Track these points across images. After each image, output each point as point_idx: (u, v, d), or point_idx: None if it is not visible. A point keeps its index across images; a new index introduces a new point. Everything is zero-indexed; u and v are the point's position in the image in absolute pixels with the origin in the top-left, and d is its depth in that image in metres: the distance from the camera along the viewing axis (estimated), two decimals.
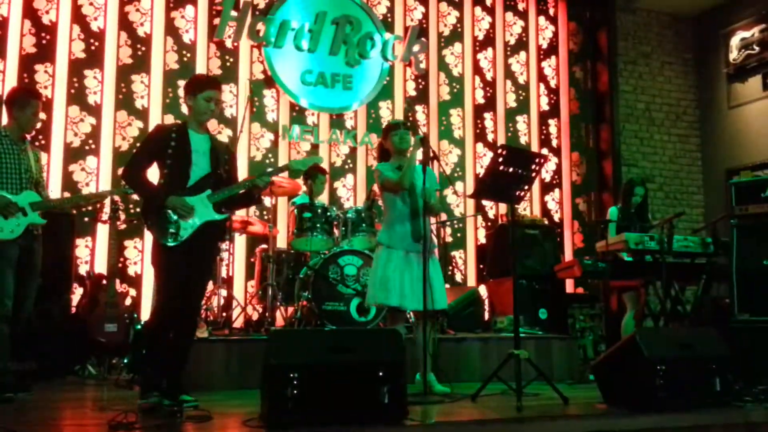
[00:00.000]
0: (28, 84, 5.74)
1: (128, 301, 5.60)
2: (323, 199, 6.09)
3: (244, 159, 6.47)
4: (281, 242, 6.17)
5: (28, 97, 4.16)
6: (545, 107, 7.81)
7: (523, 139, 7.60)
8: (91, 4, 6.15)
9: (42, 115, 4.43)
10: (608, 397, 3.81)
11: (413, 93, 7.24)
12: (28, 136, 4.27)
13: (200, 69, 6.43)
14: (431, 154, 4.43)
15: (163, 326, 3.62)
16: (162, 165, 3.66)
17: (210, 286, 5.81)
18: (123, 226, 5.70)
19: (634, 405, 3.57)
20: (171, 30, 6.41)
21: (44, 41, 5.96)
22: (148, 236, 3.72)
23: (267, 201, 6.32)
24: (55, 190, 5.66)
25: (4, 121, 4.28)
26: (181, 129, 3.73)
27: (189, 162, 3.63)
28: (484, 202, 7.15)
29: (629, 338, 3.74)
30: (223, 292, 5.59)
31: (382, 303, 4.21)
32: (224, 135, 6.42)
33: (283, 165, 4.08)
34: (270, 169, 4.08)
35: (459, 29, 7.51)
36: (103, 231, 5.66)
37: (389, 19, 7.23)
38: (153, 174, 3.67)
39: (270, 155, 6.59)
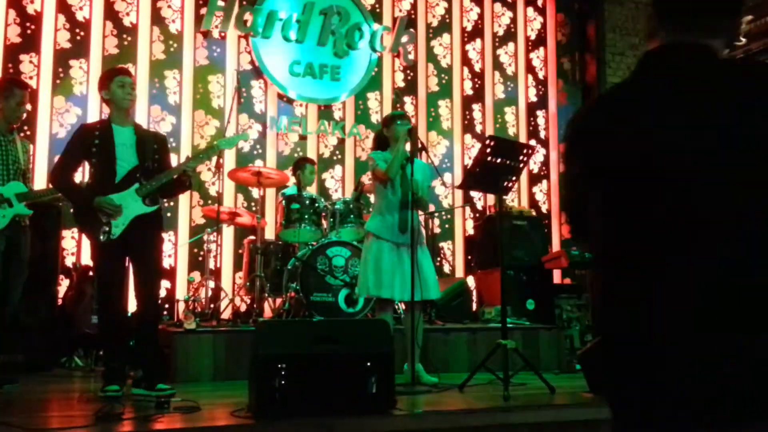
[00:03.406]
0: (13, 74, 5.69)
1: None
2: (312, 190, 6.09)
3: (231, 150, 6.44)
4: (269, 233, 6.16)
5: (12, 87, 4.13)
6: (533, 98, 7.82)
7: (511, 131, 7.62)
8: None
9: (27, 106, 4.41)
10: (594, 386, 3.85)
11: (402, 84, 7.23)
12: (15, 127, 4.24)
13: (187, 59, 6.40)
14: (419, 146, 4.45)
15: (110, 321, 3.68)
16: (89, 164, 3.72)
17: (197, 277, 5.81)
18: None
19: None
20: (157, 20, 6.35)
21: (29, 31, 5.90)
22: None
23: (255, 192, 6.30)
24: (40, 181, 5.61)
25: None
26: (104, 125, 3.77)
27: (113, 158, 3.66)
28: (473, 193, 7.16)
29: None
30: (211, 284, 5.58)
31: (373, 295, 4.22)
32: (211, 126, 6.39)
33: (212, 147, 4.12)
34: (199, 155, 4.12)
35: (447, 20, 7.50)
36: None
37: (377, 10, 7.21)
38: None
39: (258, 146, 6.57)
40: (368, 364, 3.14)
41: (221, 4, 6.51)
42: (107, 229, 3.60)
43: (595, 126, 1.38)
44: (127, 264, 3.78)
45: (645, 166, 1.27)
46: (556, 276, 7.06)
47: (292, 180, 6.03)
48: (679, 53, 1.34)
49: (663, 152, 1.25)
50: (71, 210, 5.61)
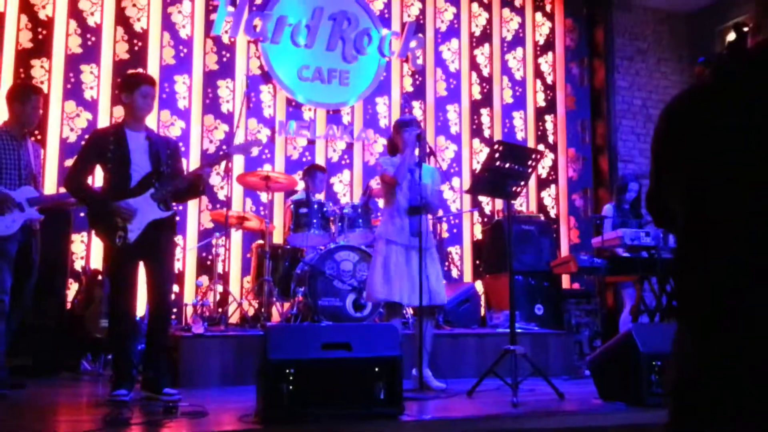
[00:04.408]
0: (25, 79, 5.72)
1: None
2: (320, 195, 6.09)
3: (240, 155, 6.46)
4: (278, 238, 6.17)
5: (28, 92, 4.17)
6: (542, 103, 7.81)
7: (519, 135, 7.60)
8: None
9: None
10: (604, 392, 3.83)
11: (410, 89, 7.23)
12: (28, 131, 4.26)
13: (197, 64, 6.43)
14: (428, 150, 4.45)
15: (121, 327, 3.70)
16: (104, 169, 3.74)
17: (206, 281, 5.83)
18: None
19: (629, 400, 3.59)
20: (168, 25, 6.39)
21: (41, 36, 5.94)
22: None
23: (263, 196, 6.31)
24: (50, 186, 5.65)
25: (5, 116, 4.26)
26: (118, 130, 3.79)
27: (128, 163, 3.69)
28: (481, 198, 7.15)
29: (625, 334, 3.75)
30: (219, 288, 5.59)
31: (381, 299, 4.21)
32: (220, 130, 6.41)
33: (223, 153, 4.15)
34: (213, 160, 4.16)
35: (456, 25, 7.50)
36: None
37: (386, 15, 7.22)
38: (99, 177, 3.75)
39: (266, 151, 6.58)
40: (376, 369, 3.13)
41: (231, 9, 6.54)
42: (123, 233, 3.61)
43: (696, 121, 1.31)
44: (138, 268, 3.79)
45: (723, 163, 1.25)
46: (565, 281, 7.04)
47: (301, 185, 6.04)
48: None
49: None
50: (82, 214, 5.67)
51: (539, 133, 7.74)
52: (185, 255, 6.13)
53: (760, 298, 1.16)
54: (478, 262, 7.11)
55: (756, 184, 1.20)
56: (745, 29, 1.41)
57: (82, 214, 5.68)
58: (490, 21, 7.66)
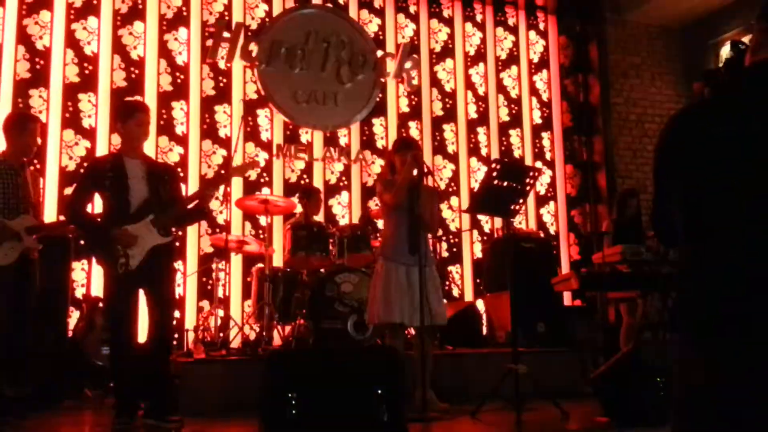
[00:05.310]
0: (23, 109, 5.76)
1: None
2: (319, 216, 6.09)
3: (238, 179, 6.47)
4: (277, 261, 6.16)
5: (25, 121, 4.20)
6: (538, 120, 7.84)
7: (516, 153, 7.63)
8: (84, 28, 6.19)
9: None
10: (608, 410, 3.81)
11: (406, 109, 7.27)
12: (27, 161, 4.28)
13: (194, 90, 6.47)
14: (425, 170, 4.46)
15: (121, 353, 3.69)
16: (103, 197, 3.76)
17: (207, 306, 5.82)
18: None
19: (634, 417, 3.57)
20: (164, 52, 6.44)
21: (38, 66, 5.99)
22: None
23: (263, 220, 6.32)
24: (50, 214, 5.65)
25: (2, 146, 4.27)
26: (115, 158, 3.83)
27: (127, 190, 3.71)
28: (480, 217, 7.16)
29: (628, 350, 3.75)
30: (220, 312, 5.58)
31: (385, 321, 4.18)
32: (218, 155, 6.43)
33: (223, 175, 4.17)
34: (212, 183, 4.19)
35: (450, 45, 7.56)
36: None
37: (381, 37, 7.28)
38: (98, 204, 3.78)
39: (265, 174, 6.60)
40: (379, 391, 3.12)
41: (227, 35, 6.59)
42: (124, 260, 3.61)
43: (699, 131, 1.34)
44: (139, 295, 3.79)
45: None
46: (567, 298, 7.02)
47: (299, 208, 6.04)
48: None
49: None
50: (82, 242, 5.67)
51: (536, 150, 7.77)
52: (185, 280, 6.12)
53: (757, 305, 1.17)
54: (478, 280, 7.10)
55: (752, 192, 1.21)
56: (742, 47, 1.44)
57: (82, 242, 5.69)
58: (484, 40, 7.72)
